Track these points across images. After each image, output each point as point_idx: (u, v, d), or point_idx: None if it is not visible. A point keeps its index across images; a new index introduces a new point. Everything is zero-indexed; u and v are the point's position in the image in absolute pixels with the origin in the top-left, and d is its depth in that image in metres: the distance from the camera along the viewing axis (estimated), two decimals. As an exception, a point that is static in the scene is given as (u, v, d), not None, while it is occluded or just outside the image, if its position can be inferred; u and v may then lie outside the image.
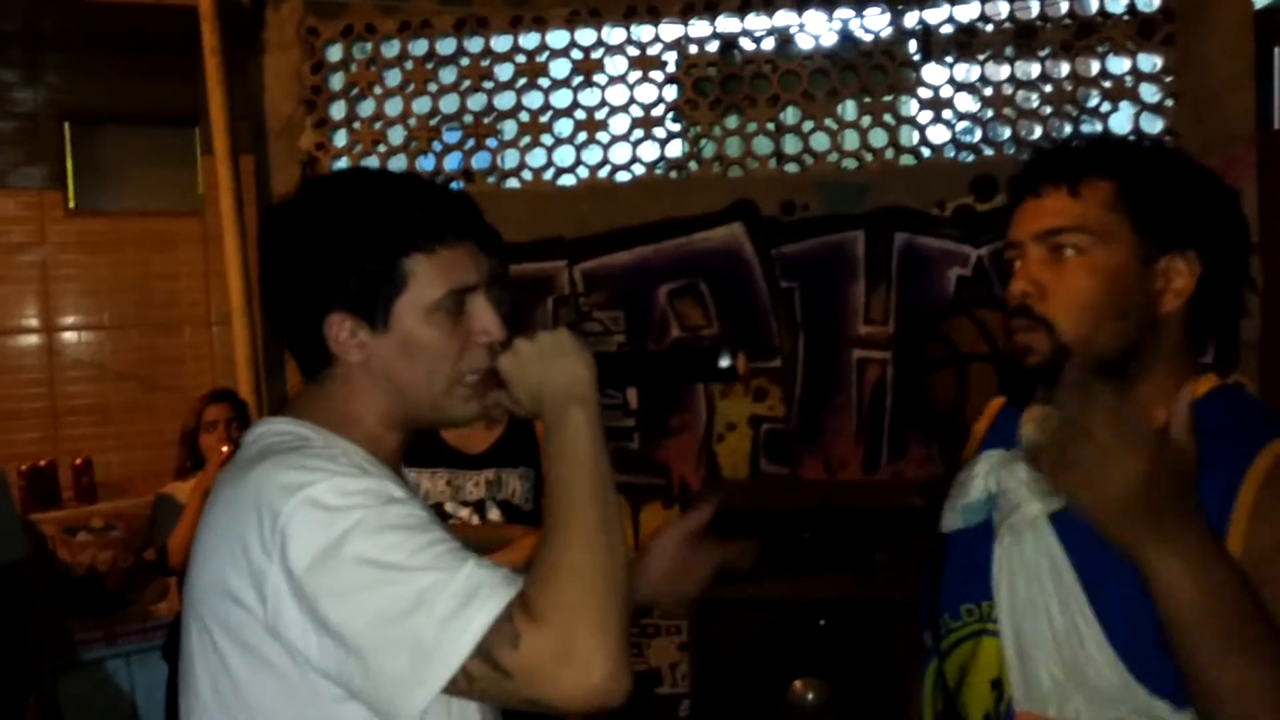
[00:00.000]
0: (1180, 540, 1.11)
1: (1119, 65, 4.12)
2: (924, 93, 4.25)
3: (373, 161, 4.49)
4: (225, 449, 3.81)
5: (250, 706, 1.17)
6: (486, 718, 1.28)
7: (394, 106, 4.48)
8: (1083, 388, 1.15)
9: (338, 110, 4.52)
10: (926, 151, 4.25)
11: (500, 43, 4.43)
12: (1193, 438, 1.12)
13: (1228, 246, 1.32)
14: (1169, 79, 4.06)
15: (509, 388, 1.26)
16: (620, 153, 4.38)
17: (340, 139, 4.52)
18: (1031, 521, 1.31)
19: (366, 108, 4.50)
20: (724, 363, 1.26)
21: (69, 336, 4.84)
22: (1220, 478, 1.20)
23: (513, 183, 4.44)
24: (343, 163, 4.49)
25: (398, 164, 4.48)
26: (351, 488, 1.14)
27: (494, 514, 2.63)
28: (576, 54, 4.39)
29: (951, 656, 1.39)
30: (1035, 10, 4.16)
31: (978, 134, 4.22)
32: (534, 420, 2.69)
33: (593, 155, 4.39)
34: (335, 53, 4.51)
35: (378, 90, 4.48)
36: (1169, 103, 4.07)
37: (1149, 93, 4.10)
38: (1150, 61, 4.10)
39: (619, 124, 4.38)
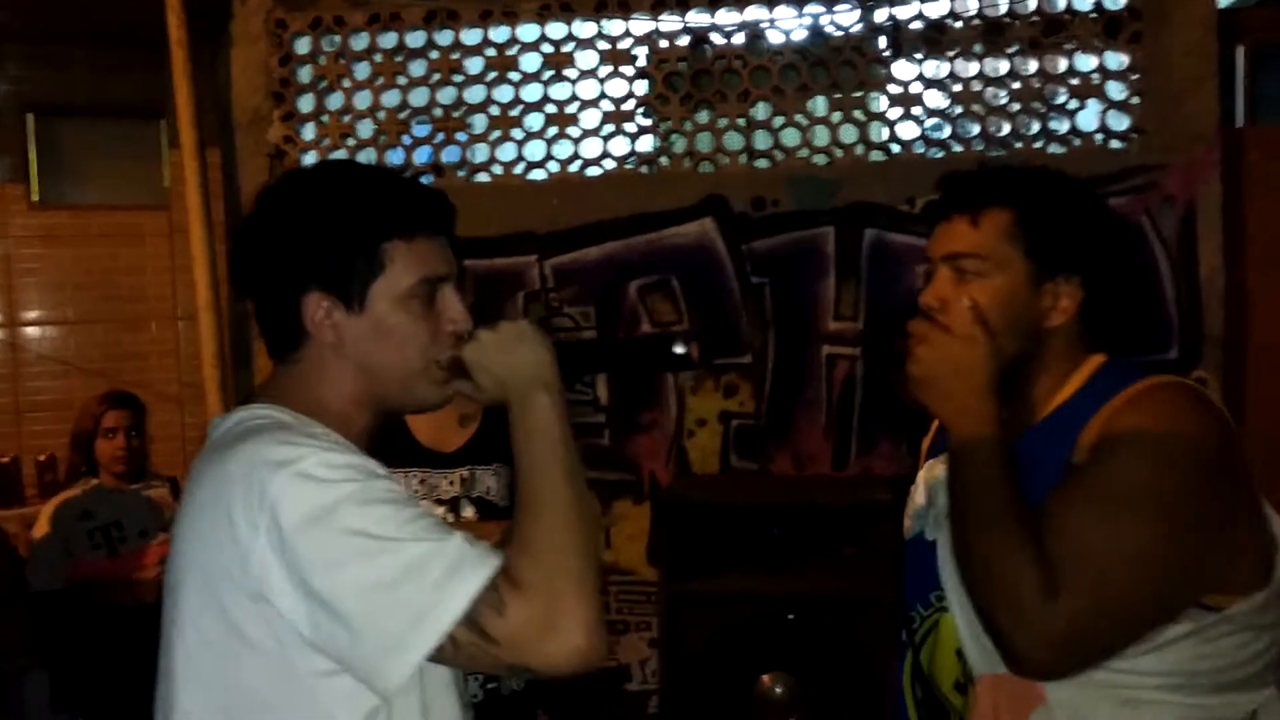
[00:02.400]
0: (975, 412, 1.41)
1: (1086, 63, 4.15)
2: (893, 89, 4.26)
3: (341, 155, 4.45)
4: (120, 463, 3.76)
5: (229, 684, 1.20)
6: (458, 705, 1.32)
7: (363, 99, 4.46)
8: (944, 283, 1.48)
9: (306, 103, 4.48)
10: (896, 147, 4.27)
11: (470, 36, 4.41)
12: (981, 333, 1.43)
13: (1109, 271, 1.51)
14: (1135, 77, 4.10)
15: (472, 375, 1.31)
16: (591, 147, 4.37)
17: (309, 132, 4.49)
18: (949, 513, 1.49)
19: (335, 101, 4.47)
20: (678, 349, 1.34)
21: (32, 332, 4.78)
22: (1076, 420, 1.44)
23: (483, 177, 4.43)
24: (311, 156, 4.46)
25: (366, 158, 4.45)
26: (338, 461, 1.18)
27: (468, 512, 2.62)
28: (547, 48, 4.38)
29: (925, 644, 1.55)
30: (1004, 7, 4.18)
31: (947, 130, 4.24)
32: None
33: (563, 150, 4.38)
34: (303, 45, 4.48)
35: (346, 83, 4.45)
36: (1135, 100, 4.10)
37: (1116, 90, 4.14)
38: (1117, 59, 4.14)
39: (590, 118, 4.37)
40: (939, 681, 1.54)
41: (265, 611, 1.16)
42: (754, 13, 4.30)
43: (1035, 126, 4.20)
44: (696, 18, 4.31)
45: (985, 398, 1.42)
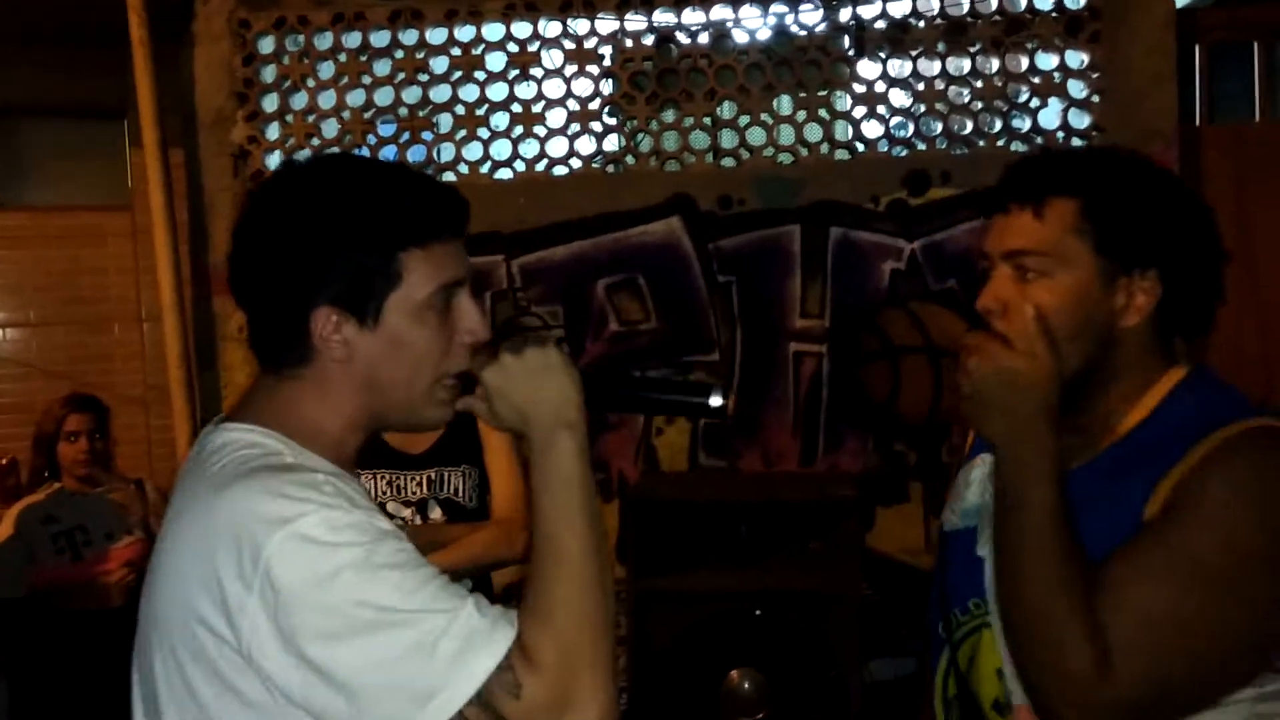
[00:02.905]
0: (1030, 442, 1.26)
1: (1047, 61, 4.20)
2: (858, 88, 4.29)
3: (307, 154, 4.43)
4: (82, 466, 3.73)
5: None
6: None
7: (327, 99, 4.44)
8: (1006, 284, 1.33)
9: (270, 103, 4.46)
10: (860, 146, 4.30)
11: (435, 35, 4.40)
12: (1044, 348, 1.28)
13: (1190, 264, 1.35)
14: (1095, 75, 4.14)
15: (490, 400, 1.21)
16: (557, 147, 4.37)
17: (273, 132, 4.46)
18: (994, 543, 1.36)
19: (299, 100, 4.45)
20: (714, 401, 1.26)
21: (-6, 334, 4.74)
22: (1164, 455, 1.28)
23: (449, 176, 4.41)
24: (275, 156, 4.43)
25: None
26: (341, 521, 1.09)
27: (435, 513, 2.62)
28: (512, 47, 4.38)
29: (963, 647, 1.45)
30: (965, 7, 4.22)
31: (910, 129, 4.27)
32: (477, 420, 2.67)
33: (529, 149, 4.38)
34: (267, 45, 4.45)
35: (311, 83, 4.43)
36: (1095, 99, 4.15)
37: (1077, 88, 4.18)
38: (1077, 58, 4.18)
39: (555, 118, 4.37)
40: (981, 697, 1.44)
41: (250, 664, 1.09)
42: (719, 12, 4.32)
43: (998, 124, 4.24)
44: (662, 17, 4.33)
45: (1045, 423, 1.27)
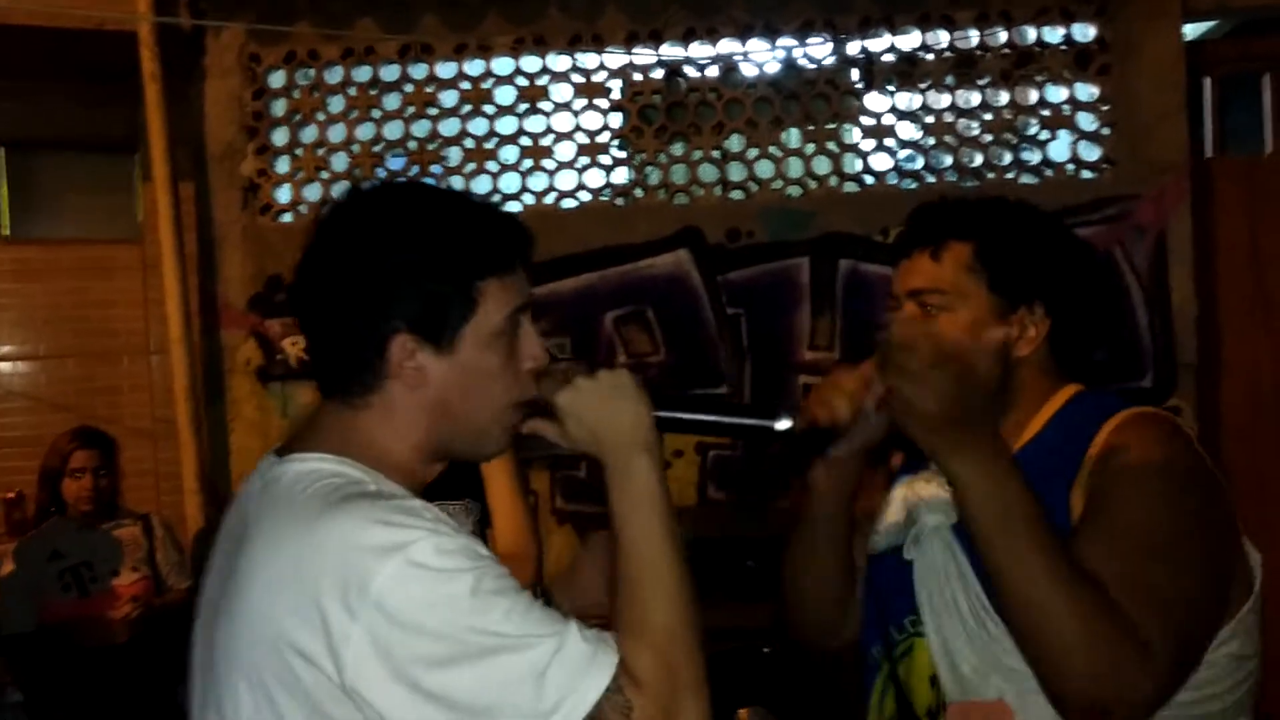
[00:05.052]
0: (977, 450, 1.33)
1: (1057, 94, 4.19)
2: (866, 120, 4.29)
3: (316, 188, 4.44)
4: (87, 503, 3.70)
5: None
6: None
7: (337, 133, 4.45)
8: (909, 323, 1.46)
9: (280, 136, 4.48)
10: (870, 179, 4.29)
11: (445, 69, 4.42)
12: (986, 365, 1.42)
13: (1074, 298, 1.49)
14: (1105, 108, 4.14)
15: (563, 422, 1.23)
16: (566, 180, 4.38)
17: (283, 165, 4.47)
18: (932, 531, 1.47)
19: (309, 134, 4.46)
20: (781, 425, 1.30)
21: (3, 366, 4.73)
22: (1067, 460, 1.40)
23: (458, 210, 4.41)
24: (285, 190, 4.45)
25: (341, 191, 4.43)
26: (450, 546, 1.09)
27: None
28: (521, 81, 4.39)
29: (902, 663, 1.52)
30: (975, 40, 4.22)
31: (920, 161, 4.27)
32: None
33: (538, 182, 4.38)
34: (278, 79, 4.47)
35: (321, 116, 4.45)
36: (1106, 131, 4.14)
37: (1087, 121, 4.18)
38: (1087, 91, 4.18)
39: (564, 151, 4.38)
40: (916, 708, 1.50)
41: (348, 694, 1.08)
42: (727, 46, 4.33)
43: (1007, 157, 4.23)
44: (670, 51, 4.34)
45: (986, 423, 1.36)
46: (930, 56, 4.25)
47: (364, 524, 1.09)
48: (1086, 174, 4.17)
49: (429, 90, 4.42)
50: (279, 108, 4.48)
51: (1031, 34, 4.20)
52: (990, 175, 4.23)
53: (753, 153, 4.32)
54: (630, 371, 1.24)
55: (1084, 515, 1.36)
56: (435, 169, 4.43)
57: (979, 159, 4.25)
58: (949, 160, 4.26)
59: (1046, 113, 4.19)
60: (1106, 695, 1.28)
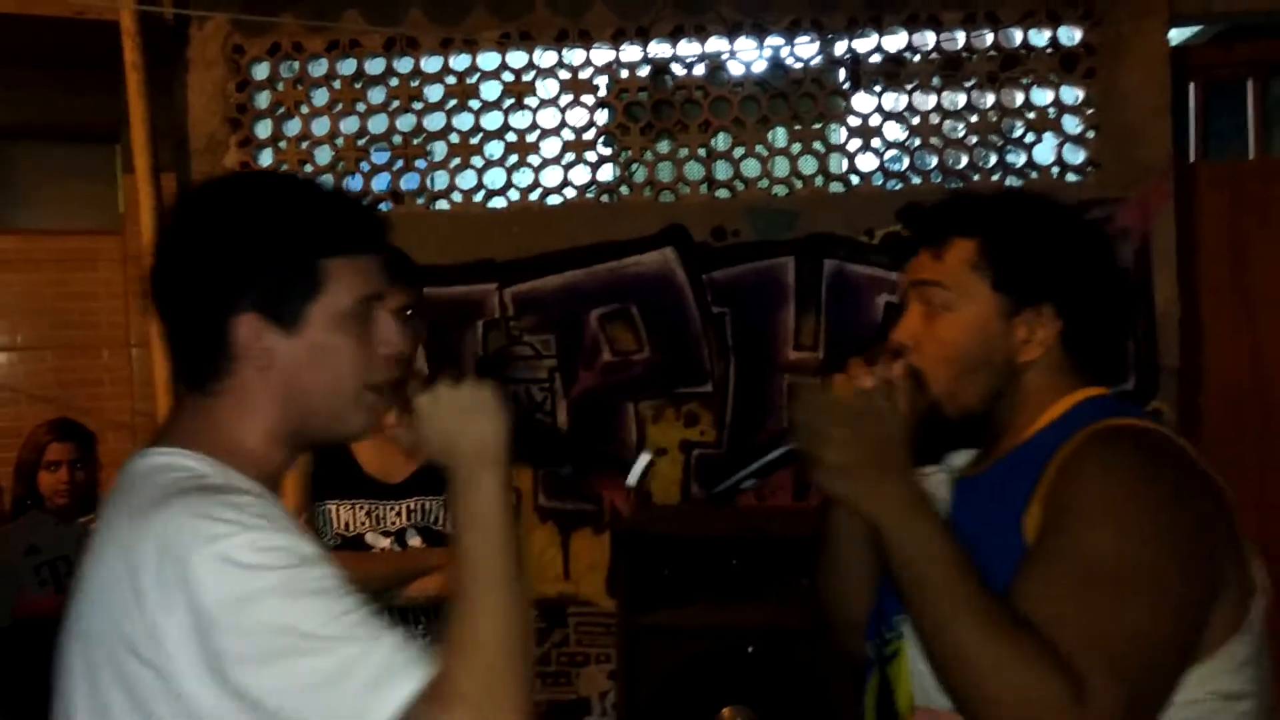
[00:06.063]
0: (887, 496, 1.27)
1: (1042, 97, 4.20)
2: (853, 121, 4.29)
3: (299, 182, 4.42)
4: (63, 496, 3.65)
5: None
6: None
7: (321, 126, 4.42)
8: (815, 386, 1.36)
9: (263, 129, 4.44)
10: (855, 179, 4.29)
11: (430, 63, 4.40)
12: (897, 404, 1.31)
13: (1087, 298, 1.41)
14: (1090, 111, 4.15)
15: (421, 427, 1.25)
16: (551, 176, 4.36)
17: (266, 158, 4.44)
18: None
19: (293, 127, 4.43)
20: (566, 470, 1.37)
21: (-19, 358, 4.69)
22: (1033, 470, 1.33)
23: (442, 205, 4.40)
24: (268, 183, 4.41)
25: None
26: (266, 543, 1.10)
27: (415, 541, 2.58)
28: (508, 76, 4.37)
29: (891, 663, 1.49)
30: (961, 41, 4.23)
31: (905, 162, 4.27)
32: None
33: (524, 178, 4.37)
34: (261, 70, 4.44)
35: (304, 109, 4.42)
36: (1090, 134, 4.15)
37: (1072, 124, 4.19)
38: (1072, 94, 4.19)
39: (550, 147, 4.36)
40: (899, 709, 1.48)
41: (171, 689, 1.09)
42: (715, 44, 4.32)
43: (992, 159, 4.24)
44: (657, 48, 4.33)
45: (898, 466, 1.28)
46: (917, 58, 4.25)
47: (184, 518, 1.10)
48: (1071, 177, 4.18)
49: (414, 84, 4.39)
50: (263, 100, 4.45)
51: (1018, 36, 4.20)
52: (975, 177, 4.23)
53: (739, 151, 4.32)
54: (498, 386, 1.25)
55: (1036, 538, 1.29)
56: (420, 163, 4.41)
57: (964, 160, 4.25)
58: (934, 161, 4.27)
59: (1032, 115, 4.20)
60: None
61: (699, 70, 4.33)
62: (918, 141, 4.26)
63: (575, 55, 4.35)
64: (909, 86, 4.25)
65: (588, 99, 4.35)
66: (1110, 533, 1.23)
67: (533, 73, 4.36)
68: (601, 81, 4.35)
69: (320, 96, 4.42)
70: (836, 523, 1.57)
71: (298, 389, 1.23)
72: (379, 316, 1.27)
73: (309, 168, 4.41)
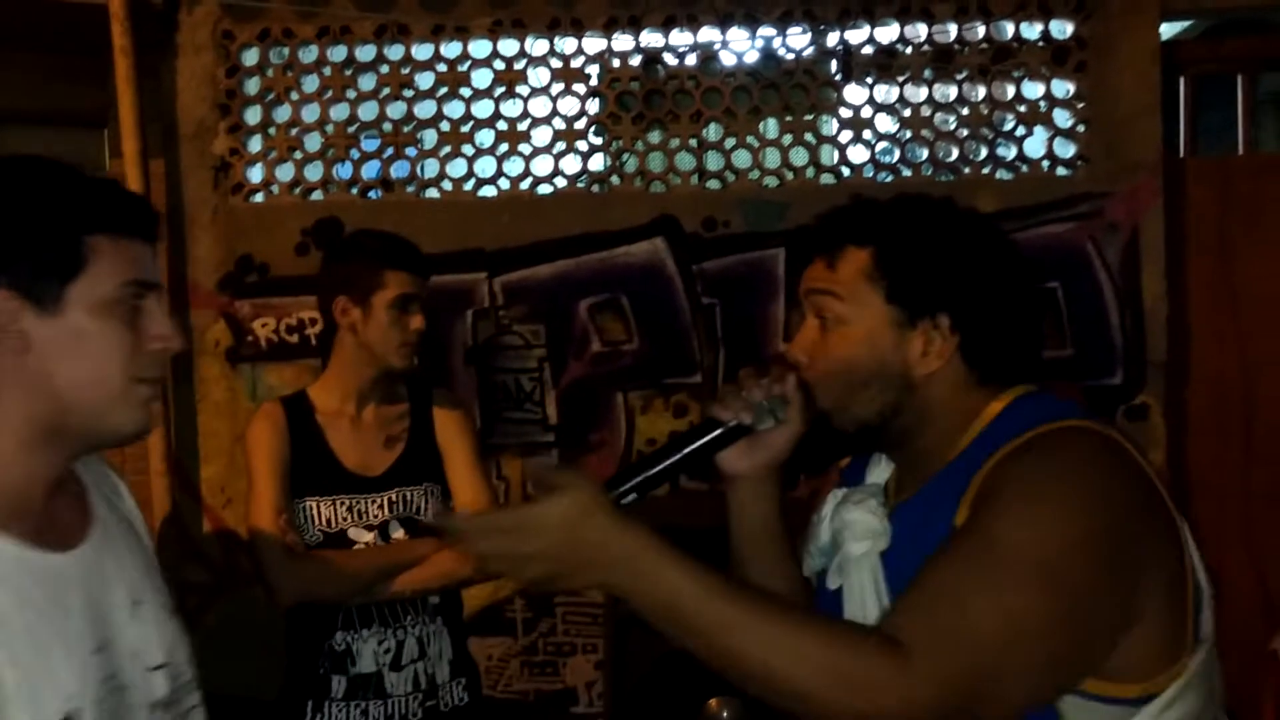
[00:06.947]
0: (603, 568, 1.23)
1: (1033, 90, 4.21)
2: (844, 112, 4.29)
3: (289, 168, 4.39)
4: None
5: None
6: None
7: (311, 112, 4.40)
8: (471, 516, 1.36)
9: (253, 115, 4.41)
10: (846, 171, 4.29)
11: (421, 51, 4.38)
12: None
13: (986, 309, 1.36)
14: (1081, 105, 4.16)
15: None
16: (542, 165, 4.35)
17: (255, 144, 4.42)
18: (859, 559, 1.40)
19: (282, 113, 4.40)
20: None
21: (-34, 343, 4.66)
22: (965, 475, 1.31)
23: (432, 193, 4.38)
24: (258, 169, 4.39)
25: (314, 171, 4.39)
26: None
27: (398, 533, 2.57)
28: (499, 64, 4.35)
29: None
30: (953, 34, 4.23)
31: (896, 154, 4.27)
32: (435, 435, 2.61)
33: (514, 167, 4.35)
34: (251, 56, 4.41)
35: (294, 95, 4.39)
36: (1081, 128, 4.16)
37: (1062, 118, 4.20)
38: (1063, 87, 4.20)
39: (541, 136, 4.35)
40: None
41: None
42: (707, 34, 4.31)
43: (983, 152, 4.25)
44: (649, 38, 4.31)
45: (601, 541, 1.24)
46: (909, 50, 4.25)
47: None
48: (1061, 170, 4.19)
49: (405, 71, 4.37)
50: (252, 86, 4.42)
51: (1010, 29, 4.21)
52: (966, 170, 4.24)
53: (730, 142, 4.31)
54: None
55: (958, 527, 1.27)
56: (410, 151, 4.39)
57: (955, 153, 4.26)
58: (925, 154, 4.27)
59: (1023, 108, 4.21)
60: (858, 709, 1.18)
61: (691, 60, 4.32)
62: (909, 134, 4.26)
63: (567, 44, 4.33)
64: (900, 79, 4.25)
65: (579, 88, 4.33)
66: (1024, 523, 1.20)
67: (524, 61, 4.34)
68: (593, 71, 4.34)
69: (310, 83, 4.39)
70: (738, 532, 1.60)
71: (54, 380, 1.14)
72: (149, 307, 1.20)
73: (298, 154, 4.39)
